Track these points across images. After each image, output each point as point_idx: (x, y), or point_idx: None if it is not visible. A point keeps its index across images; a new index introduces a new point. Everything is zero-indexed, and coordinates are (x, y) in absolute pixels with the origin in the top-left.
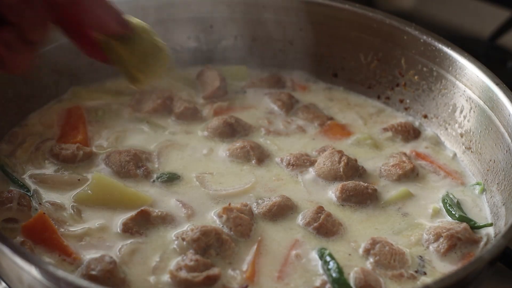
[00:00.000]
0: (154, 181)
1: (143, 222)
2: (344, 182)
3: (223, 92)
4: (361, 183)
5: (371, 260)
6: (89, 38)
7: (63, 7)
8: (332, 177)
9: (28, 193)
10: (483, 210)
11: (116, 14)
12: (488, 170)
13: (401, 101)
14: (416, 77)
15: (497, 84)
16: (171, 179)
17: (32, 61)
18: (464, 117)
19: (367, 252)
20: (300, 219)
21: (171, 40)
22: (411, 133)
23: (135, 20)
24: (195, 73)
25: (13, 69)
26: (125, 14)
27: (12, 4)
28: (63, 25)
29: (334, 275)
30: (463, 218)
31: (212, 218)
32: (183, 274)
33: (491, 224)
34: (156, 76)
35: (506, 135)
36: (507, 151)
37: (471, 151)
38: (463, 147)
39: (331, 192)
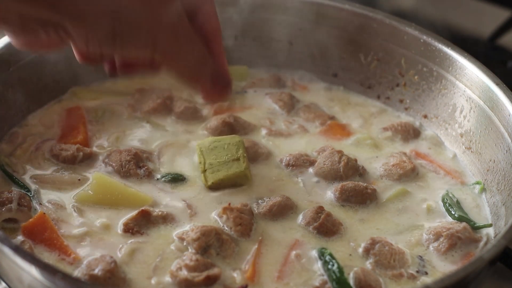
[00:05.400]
0: (158, 179)
1: (144, 222)
2: (344, 183)
3: None
4: (361, 183)
5: (371, 260)
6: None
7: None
8: (332, 177)
9: (29, 193)
10: (483, 209)
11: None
12: (488, 170)
13: (401, 101)
14: (416, 77)
15: (497, 84)
16: (175, 179)
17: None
18: (464, 117)
19: (367, 252)
20: (300, 219)
21: None
22: (411, 133)
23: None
24: None
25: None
26: None
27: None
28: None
29: (334, 275)
30: (463, 218)
31: (213, 218)
32: (183, 274)
33: (490, 225)
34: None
35: (506, 135)
36: (507, 151)
37: (471, 151)
38: (463, 147)
39: (331, 192)
